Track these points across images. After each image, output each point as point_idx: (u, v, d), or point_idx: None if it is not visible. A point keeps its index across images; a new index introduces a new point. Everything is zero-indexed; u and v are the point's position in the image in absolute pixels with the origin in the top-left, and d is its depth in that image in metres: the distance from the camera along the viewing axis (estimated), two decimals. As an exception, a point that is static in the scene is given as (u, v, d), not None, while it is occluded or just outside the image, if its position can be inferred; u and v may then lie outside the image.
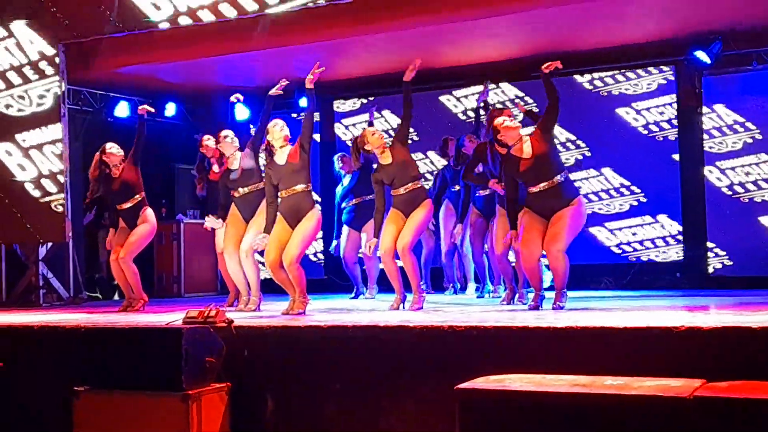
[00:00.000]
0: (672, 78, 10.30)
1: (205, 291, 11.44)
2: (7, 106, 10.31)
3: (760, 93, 9.81)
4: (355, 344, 5.89)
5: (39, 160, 10.14)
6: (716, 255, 9.99)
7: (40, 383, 6.69)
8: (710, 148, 9.99)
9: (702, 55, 9.67)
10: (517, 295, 8.03)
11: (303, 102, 11.60)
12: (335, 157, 10.21)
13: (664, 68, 10.33)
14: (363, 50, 10.19)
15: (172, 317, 6.88)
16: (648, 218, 10.33)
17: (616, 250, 10.51)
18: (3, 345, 6.92)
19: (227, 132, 8.19)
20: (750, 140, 9.86)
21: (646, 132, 10.37)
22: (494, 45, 10.01)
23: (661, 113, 10.30)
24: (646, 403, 4.23)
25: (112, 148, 8.64)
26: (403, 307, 7.58)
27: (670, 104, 10.29)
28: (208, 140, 8.66)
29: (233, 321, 6.34)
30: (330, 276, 11.65)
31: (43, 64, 10.17)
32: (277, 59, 10.33)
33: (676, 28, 9.46)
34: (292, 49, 9.88)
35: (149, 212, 8.66)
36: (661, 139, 10.28)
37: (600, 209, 10.51)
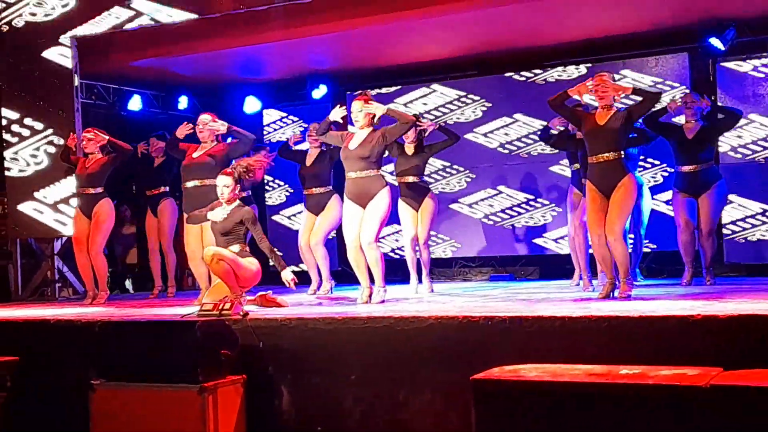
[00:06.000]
0: (686, 65, 10.23)
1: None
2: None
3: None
4: (370, 335, 5.90)
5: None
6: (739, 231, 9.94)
7: (56, 377, 6.72)
8: (723, 135, 9.91)
9: (716, 42, 9.60)
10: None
11: (316, 93, 11.56)
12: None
13: (678, 55, 10.27)
14: (377, 41, 10.17)
15: (187, 310, 6.91)
16: (661, 206, 10.25)
17: (629, 239, 10.43)
18: (20, 339, 6.97)
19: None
20: (763, 127, 9.80)
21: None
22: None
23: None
24: (662, 392, 4.22)
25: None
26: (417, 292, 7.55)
27: (684, 92, 10.22)
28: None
29: (248, 313, 6.36)
30: (344, 267, 11.62)
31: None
32: (290, 51, 10.32)
33: (690, 14, 9.39)
34: (305, 41, 9.87)
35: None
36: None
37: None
